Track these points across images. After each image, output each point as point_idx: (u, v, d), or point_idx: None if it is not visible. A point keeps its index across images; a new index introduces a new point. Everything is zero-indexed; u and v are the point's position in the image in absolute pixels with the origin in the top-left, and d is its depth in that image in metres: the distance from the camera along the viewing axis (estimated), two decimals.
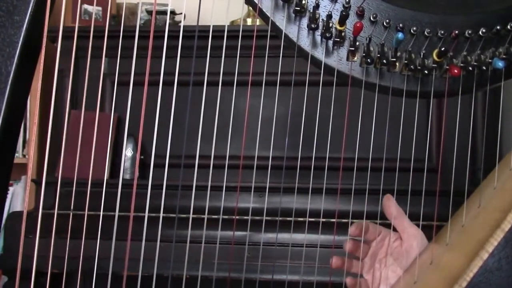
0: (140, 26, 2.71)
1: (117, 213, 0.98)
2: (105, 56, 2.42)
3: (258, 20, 1.05)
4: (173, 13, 2.77)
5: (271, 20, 1.01)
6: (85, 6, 2.81)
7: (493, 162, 1.08)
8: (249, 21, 2.72)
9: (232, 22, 2.66)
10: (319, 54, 1.01)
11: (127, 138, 2.54)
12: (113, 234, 0.98)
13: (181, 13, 2.67)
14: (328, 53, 1.01)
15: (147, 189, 1.00)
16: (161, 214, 1.07)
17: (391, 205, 1.11)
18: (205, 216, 1.26)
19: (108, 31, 1.17)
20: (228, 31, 1.16)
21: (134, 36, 1.01)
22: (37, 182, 2.51)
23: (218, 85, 1.06)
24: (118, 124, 2.59)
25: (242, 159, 1.25)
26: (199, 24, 1.09)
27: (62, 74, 2.52)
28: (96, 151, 1.09)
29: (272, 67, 1.14)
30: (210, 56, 1.08)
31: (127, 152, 2.55)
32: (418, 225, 1.16)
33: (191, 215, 1.12)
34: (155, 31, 1.00)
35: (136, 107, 0.99)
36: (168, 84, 1.01)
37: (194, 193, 1.08)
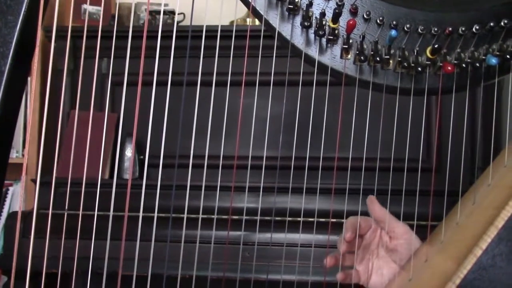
0: (139, 26, 2.72)
1: (111, 213, 0.98)
2: (105, 56, 2.43)
3: (257, 20, 1.06)
4: (172, 13, 2.77)
5: (265, 18, 1.01)
6: (85, 6, 2.81)
7: (489, 161, 1.08)
8: (248, 21, 2.72)
9: (232, 22, 2.66)
10: (313, 52, 1.02)
11: (127, 138, 2.54)
12: (107, 233, 0.98)
13: (181, 13, 2.68)
14: (321, 51, 1.01)
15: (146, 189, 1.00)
16: (156, 214, 1.07)
17: (375, 209, 1.11)
18: (200, 216, 1.26)
19: (108, 31, 1.17)
20: (224, 31, 1.16)
21: (133, 36, 1.01)
22: (36, 182, 2.51)
23: (212, 85, 1.06)
24: (118, 124, 2.58)
25: (237, 159, 1.25)
26: (199, 24, 1.09)
27: (61, 74, 2.52)
28: (96, 151, 1.09)
29: (268, 67, 1.14)
30: (206, 56, 1.08)
31: (127, 152, 2.55)
32: (412, 225, 1.16)
33: (185, 215, 1.12)
34: (153, 31, 1.00)
35: (135, 107, 0.99)
36: (164, 84, 1.02)
37: (189, 193, 1.07)
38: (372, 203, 1.11)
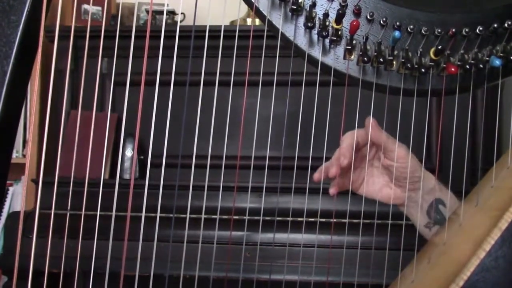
0: (140, 26, 2.72)
1: (114, 213, 0.98)
2: (105, 56, 2.43)
3: (257, 20, 1.06)
4: (173, 13, 2.77)
5: (268, 19, 1.01)
6: (85, 6, 2.81)
7: (492, 162, 1.08)
8: (249, 21, 2.72)
9: (232, 22, 2.66)
10: (316, 53, 1.01)
11: (127, 138, 2.54)
12: (110, 233, 0.98)
13: (181, 13, 2.68)
14: (325, 51, 1.01)
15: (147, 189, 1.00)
16: (158, 214, 1.07)
17: (372, 134, 1.10)
18: (202, 216, 1.26)
19: (108, 31, 1.17)
20: (226, 31, 1.15)
21: (133, 36, 1.01)
22: (37, 182, 2.51)
23: (215, 85, 1.06)
24: (118, 124, 2.58)
25: (239, 159, 1.25)
26: (200, 24, 1.09)
27: (62, 74, 2.52)
28: (96, 151, 1.09)
29: (270, 67, 1.14)
30: (208, 56, 1.08)
31: (127, 152, 2.55)
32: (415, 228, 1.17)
33: (188, 215, 1.12)
34: (155, 31, 1.00)
35: (136, 107, 0.99)
36: (167, 84, 1.01)
37: (191, 193, 1.07)
38: (371, 127, 1.10)
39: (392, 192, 1.16)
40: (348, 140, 1.10)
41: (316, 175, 1.13)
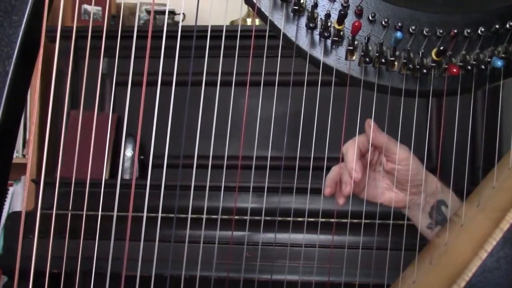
0: (140, 26, 2.72)
1: (115, 213, 0.98)
2: (105, 56, 2.43)
3: (257, 20, 1.06)
4: (172, 13, 2.77)
5: (270, 19, 1.01)
6: (85, 6, 2.81)
7: (492, 162, 1.07)
8: (249, 21, 2.72)
9: (232, 22, 2.66)
10: (318, 53, 1.01)
11: (127, 138, 2.54)
12: (111, 234, 0.98)
13: (180, 14, 2.68)
14: (326, 52, 1.01)
15: (146, 189, 1.00)
16: (160, 214, 1.07)
17: (374, 137, 1.09)
18: (204, 216, 1.26)
19: (108, 31, 1.17)
20: (227, 31, 1.15)
21: (132, 36, 1.01)
22: (37, 182, 2.51)
23: (217, 85, 1.06)
24: (118, 124, 2.58)
25: (241, 159, 1.25)
26: (199, 24, 1.09)
27: (62, 74, 2.52)
28: (96, 151, 1.09)
29: (272, 67, 1.14)
30: (210, 56, 1.08)
31: (127, 152, 2.55)
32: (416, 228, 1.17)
33: (189, 215, 1.12)
34: (155, 31, 1.00)
35: (136, 107, 0.99)
36: (167, 84, 1.01)
37: (193, 193, 1.07)
38: (372, 131, 1.09)
39: (395, 196, 1.15)
40: (352, 152, 1.09)
41: (327, 190, 1.13)
